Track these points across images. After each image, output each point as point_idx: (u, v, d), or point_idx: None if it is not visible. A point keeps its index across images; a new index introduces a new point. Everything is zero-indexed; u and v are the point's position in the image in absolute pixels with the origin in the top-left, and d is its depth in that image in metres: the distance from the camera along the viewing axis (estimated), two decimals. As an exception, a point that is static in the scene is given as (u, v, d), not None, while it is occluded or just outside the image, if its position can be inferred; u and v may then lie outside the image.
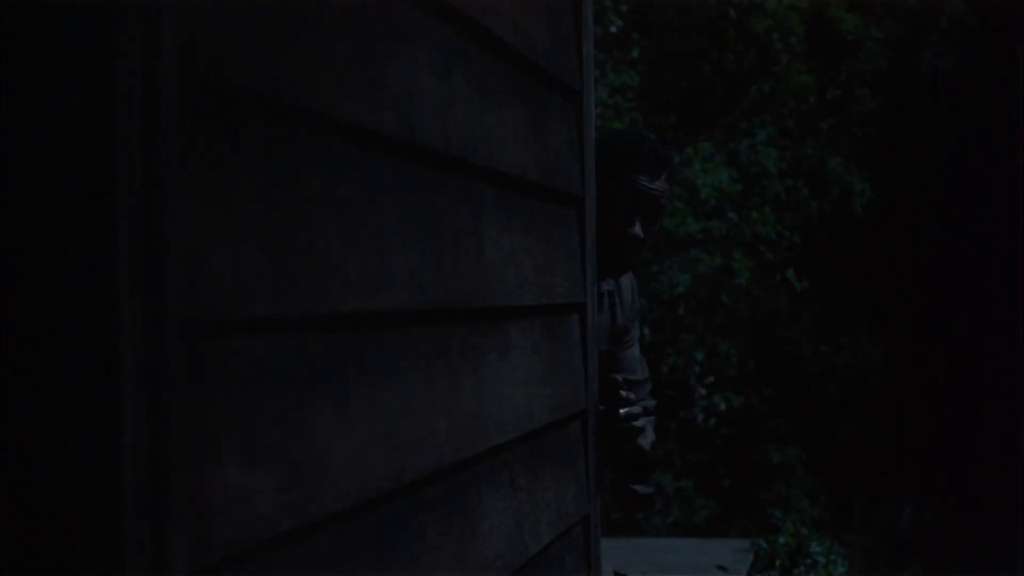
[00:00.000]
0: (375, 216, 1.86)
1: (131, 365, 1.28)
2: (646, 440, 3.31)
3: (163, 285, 1.31)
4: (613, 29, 12.29)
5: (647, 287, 10.98)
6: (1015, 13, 12.40)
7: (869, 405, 13.71)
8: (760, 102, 12.74)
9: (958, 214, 13.27)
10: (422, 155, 2.05)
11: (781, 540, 10.50)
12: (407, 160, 1.99)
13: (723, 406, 13.63)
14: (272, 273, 1.56)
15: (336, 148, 1.75)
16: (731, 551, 10.81)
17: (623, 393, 3.27)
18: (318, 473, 1.66)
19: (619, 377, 3.33)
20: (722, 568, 9.70)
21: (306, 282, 1.64)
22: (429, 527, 2.04)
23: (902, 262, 13.62)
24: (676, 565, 10.03)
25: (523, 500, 2.53)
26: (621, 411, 3.25)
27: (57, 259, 1.28)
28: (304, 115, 1.67)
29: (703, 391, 13.89)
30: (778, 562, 10.40)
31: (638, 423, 3.27)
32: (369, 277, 1.82)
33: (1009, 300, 12.41)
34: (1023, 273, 12.03)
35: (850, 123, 13.43)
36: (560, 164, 2.88)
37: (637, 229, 3.29)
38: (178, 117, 1.36)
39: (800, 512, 12.39)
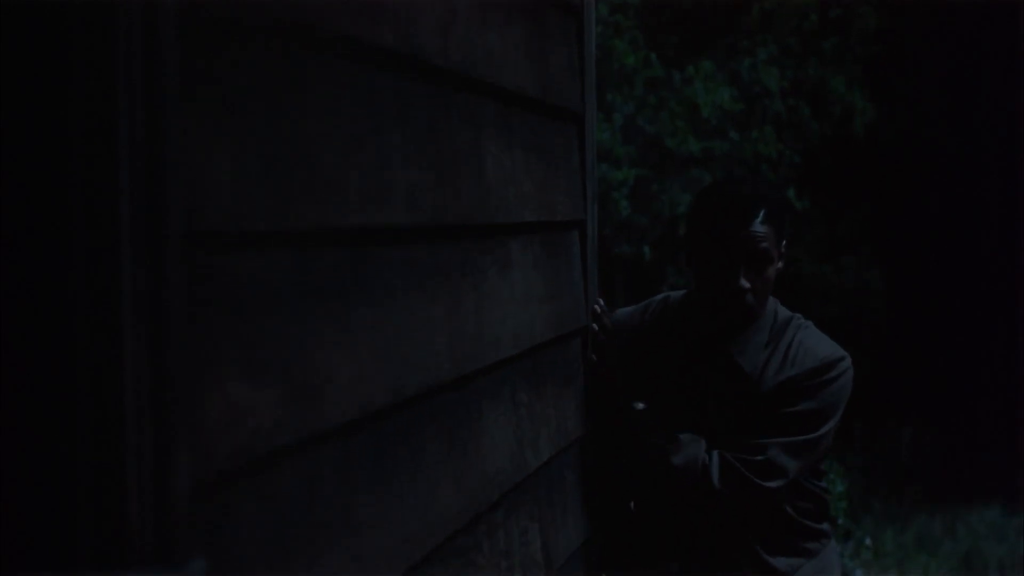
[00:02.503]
0: (375, 133, 1.85)
1: (132, 280, 1.29)
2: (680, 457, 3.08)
3: (163, 201, 1.31)
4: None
5: (648, 206, 10.95)
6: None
7: (869, 327, 13.73)
8: (762, 21, 12.66)
9: (961, 136, 13.22)
10: (423, 71, 2.04)
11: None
12: (408, 76, 1.98)
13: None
14: (272, 189, 1.56)
15: (336, 65, 1.74)
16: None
17: (597, 307, 3.16)
18: (319, 388, 1.66)
19: (597, 305, 3.18)
20: None
21: (306, 198, 1.64)
22: (430, 442, 2.05)
23: (904, 184, 13.59)
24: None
25: (523, 416, 2.54)
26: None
27: (58, 176, 1.28)
28: (304, 31, 1.66)
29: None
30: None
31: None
32: (369, 194, 1.82)
33: (1011, 222, 12.39)
34: (1024, 194, 12.00)
35: (852, 42, 13.36)
36: (561, 81, 2.87)
37: (741, 280, 2.97)
38: (178, 35, 1.35)
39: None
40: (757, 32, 12.80)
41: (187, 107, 1.36)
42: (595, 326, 3.16)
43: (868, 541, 9.77)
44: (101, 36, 1.27)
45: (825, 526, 3.23)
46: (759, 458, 3.00)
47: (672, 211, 11.52)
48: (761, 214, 2.96)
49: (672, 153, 11.15)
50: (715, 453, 3.02)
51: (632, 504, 3.24)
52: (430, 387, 2.03)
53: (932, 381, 13.31)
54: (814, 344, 3.07)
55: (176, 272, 1.33)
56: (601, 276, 3.31)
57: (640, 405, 3.12)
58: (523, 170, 2.56)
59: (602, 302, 3.21)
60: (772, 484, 3.01)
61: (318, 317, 1.67)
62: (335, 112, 1.73)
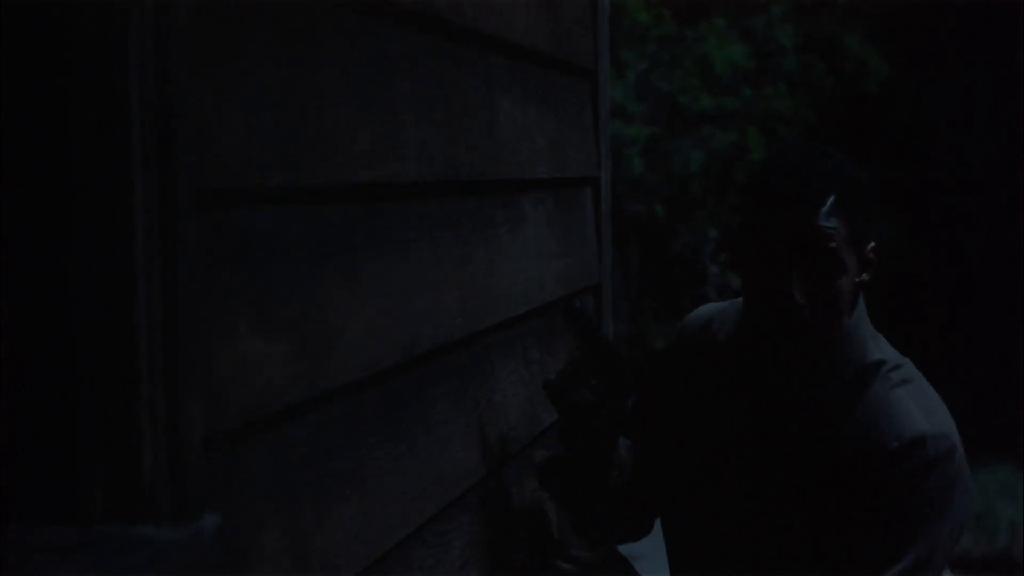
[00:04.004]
0: (387, 87, 1.85)
1: (144, 234, 1.28)
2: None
3: (174, 155, 1.31)
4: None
5: (660, 165, 10.94)
6: None
7: (881, 286, 13.71)
8: (776, -23, 12.61)
9: (975, 95, 13.17)
10: (434, 26, 2.03)
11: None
12: (419, 31, 1.97)
13: (735, 284, 13.64)
14: (283, 143, 1.55)
15: (347, 18, 1.74)
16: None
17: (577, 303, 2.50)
18: (330, 344, 1.66)
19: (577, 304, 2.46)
20: None
21: (317, 153, 1.64)
22: (441, 399, 2.05)
23: (918, 142, 13.55)
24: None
25: (536, 373, 2.54)
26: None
27: (68, 131, 1.28)
28: (315, -16, 1.65)
29: (716, 269, 13.91)
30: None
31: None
32: (380, 149, 1.82)
33: (1019, 181, 12.35)
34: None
35: (866, -1, 13.29)
36: (574, 37, 2.86)
37: (795, 292, 2.09)
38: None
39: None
40: (771, -12, 12.75)
41: (197, 63, 1.36)
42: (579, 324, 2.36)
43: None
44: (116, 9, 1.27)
45: None
46: None
47: (685, 169, 11.51)
48: (828, 202, 2.10)
49: (685, 110, 11.13)
50: None
51: None
52: (441, 343, 2.03)
53: (940, 340, 13.30)
54: (903, 411, 2.14)
55: (188, 227, 1.33)
56: (614, 234, 3.30)
57: (541, 455, 2.35)
58: (536, 126, 2.55)
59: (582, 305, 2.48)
60: None
61: (329, 272, 1.67)
62: (346, 67, 1.72)
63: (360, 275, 1.76)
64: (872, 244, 2.17)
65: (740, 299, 2.27)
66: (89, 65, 1.27)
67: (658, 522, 2.46)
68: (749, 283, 2.15)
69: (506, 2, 2.35)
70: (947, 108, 13.39)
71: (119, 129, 1.28)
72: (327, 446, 1.66)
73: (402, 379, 1.90)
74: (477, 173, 2.21)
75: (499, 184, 2.33)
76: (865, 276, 2.17)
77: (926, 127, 13.57)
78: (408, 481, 1.90)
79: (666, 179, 12.05)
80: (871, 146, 13.86)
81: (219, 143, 1.41)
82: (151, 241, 1.29)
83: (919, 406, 2.15)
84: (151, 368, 1.29)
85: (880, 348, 2.21)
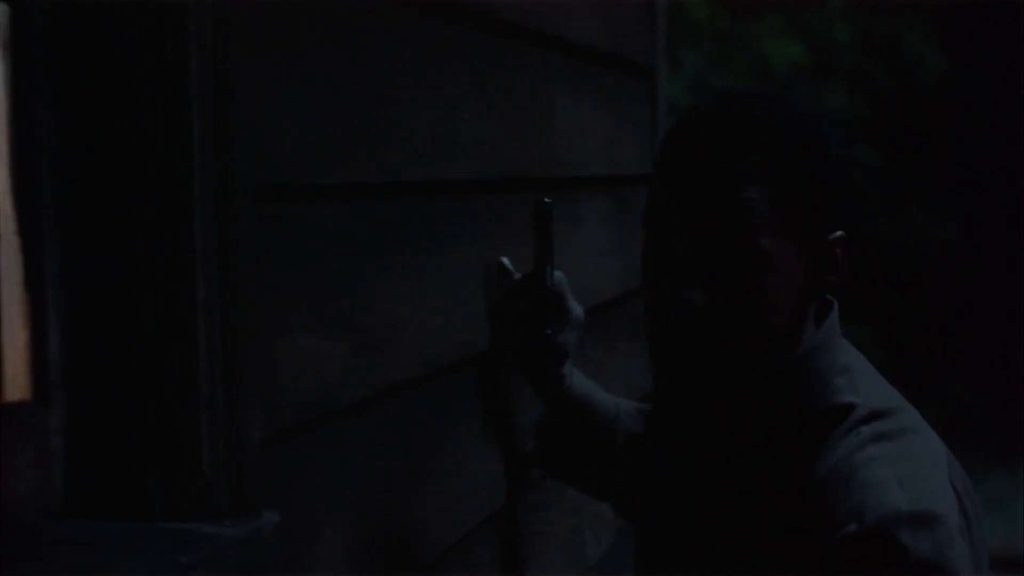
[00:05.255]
0: (443, 84, 1.85)
1: (203, 230, 1.29)
2: None
3: (232, 151, 1.31)
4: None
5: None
6: None
7: (938, 283, 13.63)
8: (832, -27, 12.54)
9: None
10: (491, 22, 2.03)
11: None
12: (476, 27, 1.97)
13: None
14: (341, 140, 1.56)
15: (403, 16, 1.74)
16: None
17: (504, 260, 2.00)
18: (388, 341, 1.66)
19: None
20: None
21: (374, 150, 1.64)
22: (499, 396, 2.05)
23: (976, 140, 13.44)
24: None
25: (591, 371, 2.53)
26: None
27: (133, 127, 1.29)
28: (372, -19, 1.65)
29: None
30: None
31: None
32: (438, 146, 1.82)
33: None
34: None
35: (924, -6, 13.20)
36: (631, 35, 2.85)
37: (692, 292, 1.50)
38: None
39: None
40: (827, -15, 12.67)
41: (255, 61, 1.36)
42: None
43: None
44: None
45: None
46: None
47: (741, 166, 11.43)
48: (743, 167, 1.48)
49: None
50: None
51: None
52: (499, 341, 2.02)
53: (996, 335, 13.19)
54: (870, 479, 1.45)
55: (246, 225, 1.33)
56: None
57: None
58: (592, 123, 2.54)
59: (507, 261, 2.01)
60: None
61: (387, 269, 1.67)
62: (402, 65, 1.72)
63: (417, 272, 1.76)
64: (839, 233, 1.52)
65: None
66: (150, 63, 1.28)
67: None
68: (648, 279, 1.54)
69: (564, 0, 2.35)
70: (1002, 103, 13.27)
71: (179, 127, 1.28)
72: (385, 443, 1.66)
73: (460, 376, 1.89)
74: (533, 170, 2.20)
75: (555, 182, 2.32)
76: (834, 276, 1.53)
77: (983, 120, 13.45)
78: (467, 478, 1.90)
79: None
80: (929, 141, 13.77)
81: (277, 139, 1.42)
82: (209, 236, 1.29)
83: (896, 473, 1.45)
84: (210, 366, 1.30)
85: (855, 386, 1.53)
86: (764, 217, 1.47)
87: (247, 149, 1.33)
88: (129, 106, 1.28)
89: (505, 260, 1.97)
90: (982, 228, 13.44)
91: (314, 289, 1.49)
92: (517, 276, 1.94)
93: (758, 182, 1.47)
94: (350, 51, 1.58)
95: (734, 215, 1.47)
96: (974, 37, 13.49)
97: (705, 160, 1.49)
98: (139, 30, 1.27)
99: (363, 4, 1.62)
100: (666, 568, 1.65)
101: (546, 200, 1.90)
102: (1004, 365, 12.90)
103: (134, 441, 1.30)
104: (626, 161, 2.80)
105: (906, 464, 1.47)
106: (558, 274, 1.89)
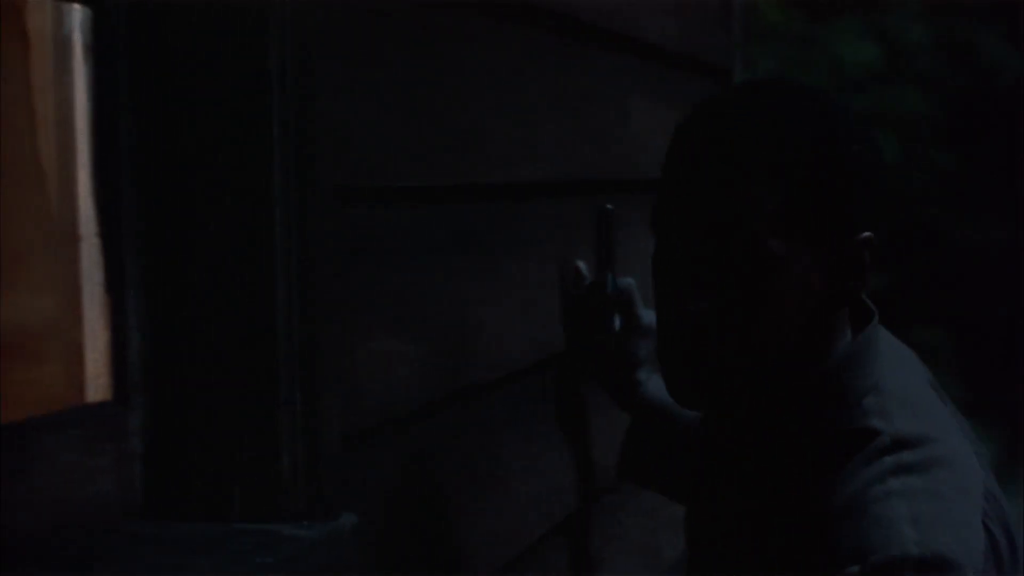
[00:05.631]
0: (520, 88, 1.84)
1: (283, 232, 1.29)
2: None
3: (312, 153, 1.32)
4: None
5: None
6: None
7: (1014, 287, 13.48)
8: (907, -25, 12.45)
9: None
10: (567, 25, 2.02)
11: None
12: (553, 30, 1.97)
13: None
14: (419, 144, 1.55)
15: (480, 20, 1.73)
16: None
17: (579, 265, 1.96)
18: (465, 343, 1.66)
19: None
20: None
21: (452, 153, 1.64)
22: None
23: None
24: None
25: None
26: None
27: (213, 129, 1.29)
28: (450, -16, 1.65)
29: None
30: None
31: None
32: (515, 149, 1.81)
33: None
34: None
35: (1000, -5, 13.08)
36: (706, 35, 2.83)
37: (690, 298, 1.38)
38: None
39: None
40: (902, -13, 12.59)
41: (334, 65, 1.36)
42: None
43: None
44: (255, 13, 1.28)
45: None
46: None
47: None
48: (747, 163, 1.36)
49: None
50: None
51: None
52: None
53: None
54: (882, 516, 1.30)
55: (326, 227, 1.33)
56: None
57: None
58: (668, 126, 2.53)
59: (582, 264, 1.96)
60: None
61: (465, 271, 1.67)
62: (480, 69, 1.72)
63: (495, 274, 1.75)
64: (866, 235, 1.37)
65: None
66: (230, 65, 1.28)
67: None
68: (655, 290, 1.44)
69: (639, 1, 2.34)
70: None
71: (259, 126, 1.28)
72: (462, 446, 1.66)
73: (535, 379, 1.89)
74: (611, 173, 2.19)
75: (633, 184, 2.31)
76: (853, 283, 1.38)
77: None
78: (543, 480, 1.89)
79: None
80: (1006, 145, 13.63)
81: (356, 142, 1.42)
82: (289, 238, 1.29)
83: (912, 510, 1.29)
84: (289, 367, 1.30)
85: (884, 408, 1.37)
86: (772, 216, 1.33)
87: (327, 151, 1.34)
88: (209, 108, 1.29)
89: (580, 263, 1.96)
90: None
91: (392, 291, 1.49)
92: (589, 281, 1.93)
93: (764, 177, 1.33)
94: (429, 54, 1.58)
95: (737, 213, 1.33)
96: (1052, 38, 13.34)
97: (707, 154, 1.37)
98: (220, 33, 1.28)
99: (442, 7, 1.62)
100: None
101: (608, 207, 1.88)
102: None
103: (213, 442, 1.30)
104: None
105: (926, 501, 1.30)
106: (627, 281, 1.87)
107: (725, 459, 1.48)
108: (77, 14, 1.26)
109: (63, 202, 1.29)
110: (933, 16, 12.50)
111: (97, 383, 1.28)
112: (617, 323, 1.87)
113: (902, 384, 1.41)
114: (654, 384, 1.86)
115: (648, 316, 1.85)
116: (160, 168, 1.29)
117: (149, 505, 1.30)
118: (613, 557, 2.17)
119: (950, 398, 1.50)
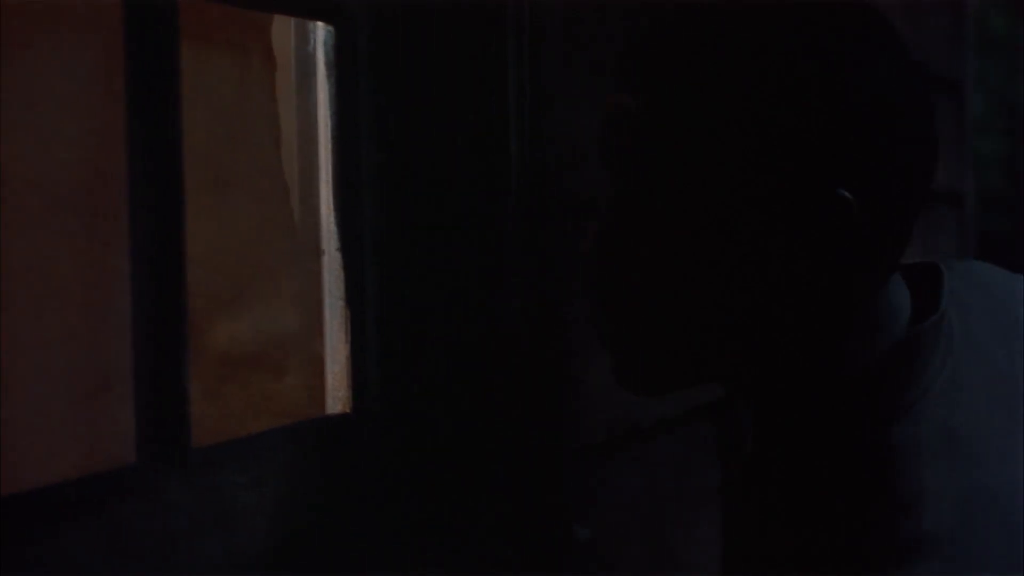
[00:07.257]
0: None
1: (518, 246, 1.30)
2: None
3: (547, 166, 1.32)
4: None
5: (1022, 181, 10.54)
6: None
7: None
8: None
9: None
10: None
11: None
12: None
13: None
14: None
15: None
16: None
17: None
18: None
19: None
20: None
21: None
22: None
23: None
24: None
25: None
26: None
27: (451, 145, 1.30)
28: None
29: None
30: None
31: None
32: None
33: None
34: None
35: None
36: (937, 49, 2.78)
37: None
38: (560, 12, 1.36)
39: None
40: None
41: (568, 74, 1.37)
42: None
43: None
44: (495, 43, 1.29)
45: None
46: None
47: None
48: (643, 57, 0.86)
49: (1044, 124, 10.72)
50: None
51: None
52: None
53: None
54: None
55: (560, 241, 1.33)
56: (976, 250, 3.18)
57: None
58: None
59: None
60: None
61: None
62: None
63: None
64: (842, 193, 0.83)
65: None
66: (468, 81, 1.29)
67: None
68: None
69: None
70: None
71: (497, 142, 1.29)
72: (692, 461, 1.65)
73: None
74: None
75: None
76: (832, 256, 0.85)
77: None
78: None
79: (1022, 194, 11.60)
80: None
81: (591, 155, 1.42)
82: (523, 252, 1.30)
83: None
84: (523, 381, 1.30)
85: (920, 453, 0.87)
86: (645, 120, 0.85)
87: (560, 164, 1.34)
88: (448, 123, 1.30)
89: None
90: None
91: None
92: None
93: (650, 80, 0.86)
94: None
95: (615, 135, 0.89)
96: None
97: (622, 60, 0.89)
98: (459, 51, 1.29)
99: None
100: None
101: None
102: None
103: (448, 452, 1.31)
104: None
105: None
106: None
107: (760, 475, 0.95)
108: (320, 32, 1.29)
109: (306, 216, 1.31)
110: None
111: (337, 395, 1.30)
112: None
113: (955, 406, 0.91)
114: None
115: None
116: (399, 183, 1.31)
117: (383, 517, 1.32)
118: None
119: None
